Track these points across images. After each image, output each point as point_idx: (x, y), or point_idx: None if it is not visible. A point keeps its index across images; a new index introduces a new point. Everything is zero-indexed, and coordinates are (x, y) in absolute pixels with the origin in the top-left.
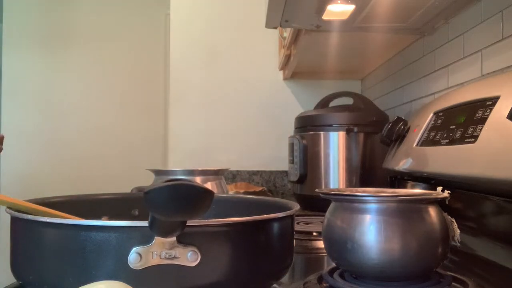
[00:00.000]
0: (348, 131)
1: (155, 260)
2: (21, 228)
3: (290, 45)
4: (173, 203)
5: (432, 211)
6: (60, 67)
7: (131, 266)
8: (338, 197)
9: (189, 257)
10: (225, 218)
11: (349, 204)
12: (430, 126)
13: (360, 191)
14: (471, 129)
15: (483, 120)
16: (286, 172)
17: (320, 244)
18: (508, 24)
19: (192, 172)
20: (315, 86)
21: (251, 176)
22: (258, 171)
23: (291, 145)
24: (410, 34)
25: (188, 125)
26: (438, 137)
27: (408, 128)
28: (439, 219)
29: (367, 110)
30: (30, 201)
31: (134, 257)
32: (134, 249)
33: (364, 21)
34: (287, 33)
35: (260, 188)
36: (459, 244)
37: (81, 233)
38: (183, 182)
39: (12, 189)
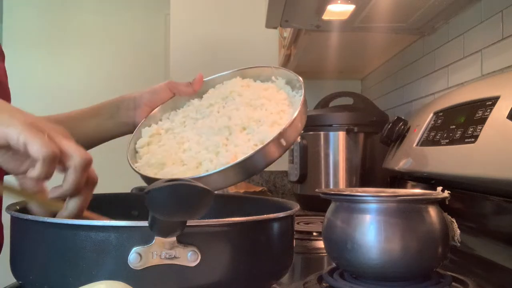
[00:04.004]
0: (348, 131)
1: (155, 260)
2: (21, 228)
3: (290, 45)
4: (173, 203)
5: (432, 211)
6: (60, 67)
7: (131, 266)
8: (338, 197)
9: (189, 257)
10: (225, 218)
11: (349, 204)
12: (430, 126)
13: (360, 191)
14: (471, 129)
15: (483, 120)
16: (286, 172)
17: (320, 244)
18: (508, 24)
19: None
20: (315, 86)
21: None
22: None
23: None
24: (410, 34)
25: None
26: (438, 137)
27: (408, 128)
28: (439, 219)
29: (367, 110)
30: None
31: (134, 257)
32: (134, 249)
33: (364, 21)
34: (287, 33)
35: (260, 188)
36: (459, 244)
37: (81, 233)
38: (183, 182)
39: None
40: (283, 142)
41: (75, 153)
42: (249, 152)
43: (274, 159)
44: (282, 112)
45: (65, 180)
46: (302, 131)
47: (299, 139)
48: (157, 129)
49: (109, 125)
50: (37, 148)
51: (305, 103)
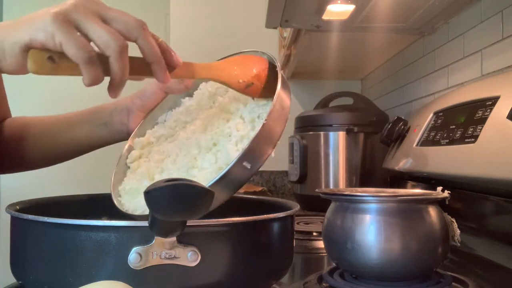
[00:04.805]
0: (348, 131)
1: (155, 260)
2: (21, 228)
3: (290, 45)
4: (173, 203)
5: (432, 211)
6: None
7: (131, 266)
8: (338, 197)
9: (189, 257)
10: (225, 218)
11: (349, 204)
12: (430, 126)
13: (360, 191)
14: (471, 129)
15: (483, 120)
16: (286, 172)
17: (320, 244)
18: (508, 24)
19: None
20: (315, 86)
21: None
22: (258, 171)
23: (291, 145)
24: (410, 34)
25: None
26: (438, 137)
27: (408, 128)
28: (439, 219)
29: (367, 110)
30: (30, 201)
31: (134, 257)
32: (134, 249)
33: (364, 21)
34: (287, 33)
35: (260, 188)
36: (459, 244)
37: (81, 233)
38: (183, 182)
39: (12, 188)
40: (247, 165)
41: (109, 42)
42: (211, 178)
43: (242, 183)
44: (258, 118)
45: (111, 69)
46: (278, 143)
47: (271, 150)
48: (148, 138)
49: (103, 132)
50: (73, 52)
51: (278, 102)
